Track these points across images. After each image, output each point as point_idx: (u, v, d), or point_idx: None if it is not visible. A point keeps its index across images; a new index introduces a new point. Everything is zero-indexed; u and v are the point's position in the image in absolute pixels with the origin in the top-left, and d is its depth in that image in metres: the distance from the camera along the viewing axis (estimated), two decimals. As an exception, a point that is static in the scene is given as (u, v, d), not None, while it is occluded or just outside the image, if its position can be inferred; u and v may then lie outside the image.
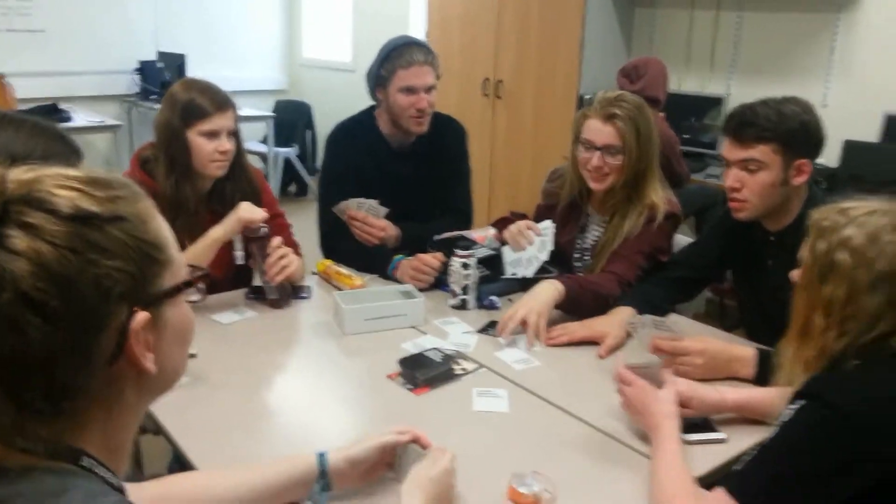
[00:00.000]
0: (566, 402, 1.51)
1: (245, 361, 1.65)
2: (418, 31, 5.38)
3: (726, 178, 1.82)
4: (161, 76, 5.67)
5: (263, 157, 5.83)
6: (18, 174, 0.69)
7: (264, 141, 5.76)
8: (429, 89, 2.22)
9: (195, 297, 0.81)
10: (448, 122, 2.45)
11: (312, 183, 5.85)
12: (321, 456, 1.15)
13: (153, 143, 1.94)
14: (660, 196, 2.02)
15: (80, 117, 5.00)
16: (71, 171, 0.71)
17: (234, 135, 1.94)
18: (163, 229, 0.75)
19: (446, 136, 2.41)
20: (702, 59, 4.25)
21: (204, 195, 1.97)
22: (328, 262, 2.14)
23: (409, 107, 2.20)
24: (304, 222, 2.50)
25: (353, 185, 2.25)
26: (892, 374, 1.05)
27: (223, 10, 6.41)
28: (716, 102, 4.05)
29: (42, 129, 1.41)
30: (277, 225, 2.06)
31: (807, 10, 3.74)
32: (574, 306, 1.88)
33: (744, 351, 1.60)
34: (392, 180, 2.28)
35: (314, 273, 2.16)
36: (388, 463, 1.23)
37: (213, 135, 1.88)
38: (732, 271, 2.08)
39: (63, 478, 0.67)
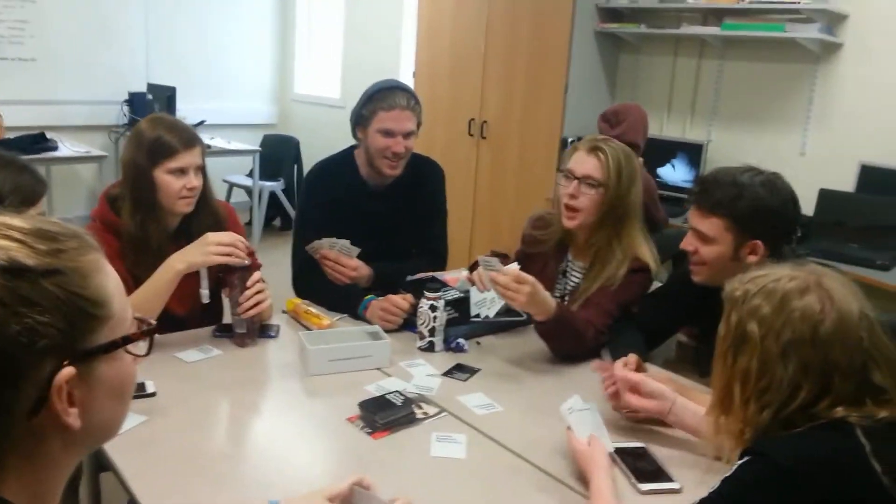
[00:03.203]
0: (523, 448, 1.51)
1: (205, 401, 1.64)
2: (407, 69, 5.44)
3: (684, 241, 1.85)
4: (150, 108, 5.71)
5: (248, 190, 5.85)
6: None
7: (250, 174, 5.77)
8: (407, 135, 2.23)
9: (141, 351, 0.81)
10: (426, 162, 2.48)
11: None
12: (273, 507, 1.14)
13: (121, 180, 1.95)
14: (645, 250, 2.03)
15: (67, 147, 5.00)
16: (17, 221, 0.72)
17: (201, 170, 1.94)
18: (107, 284, 0.75)
19: (424, 176, 2.43)
20: (683, 105, 4.32)
21: (170, 232, 1.96)
22: (297, 301, 2.14)
23: (384, 149, 2.22)
24: (288, 257, 2.51)
25: (329, 225, 2.26)
26: (833, 438, 1.05)
27: (216, 43, 6.48)
28: (696, 148, 4.10)
29: (7, 163, 1.43)
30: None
31: (787, 60, 3.81)
32: (555, 332, 1.90)
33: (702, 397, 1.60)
34: (368, 219, 2.29)
35: (284, 312, 2.16)
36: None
37: (180, 172, 1.88)
38: (696, 323, 2.08)
39: None
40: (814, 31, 3.56)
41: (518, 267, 1.85)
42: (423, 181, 2.42)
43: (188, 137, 1.90)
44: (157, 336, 1.82)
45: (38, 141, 4.64)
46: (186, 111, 5.85)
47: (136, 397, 1.55)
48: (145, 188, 1.87)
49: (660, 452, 1.50)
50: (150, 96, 5.82)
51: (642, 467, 1.44)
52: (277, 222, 6.33)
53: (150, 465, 1.38)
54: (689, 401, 1.50)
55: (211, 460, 1.42)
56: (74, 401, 0.71)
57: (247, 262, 1.87)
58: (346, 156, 2.38)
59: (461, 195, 4.86)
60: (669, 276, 2.25)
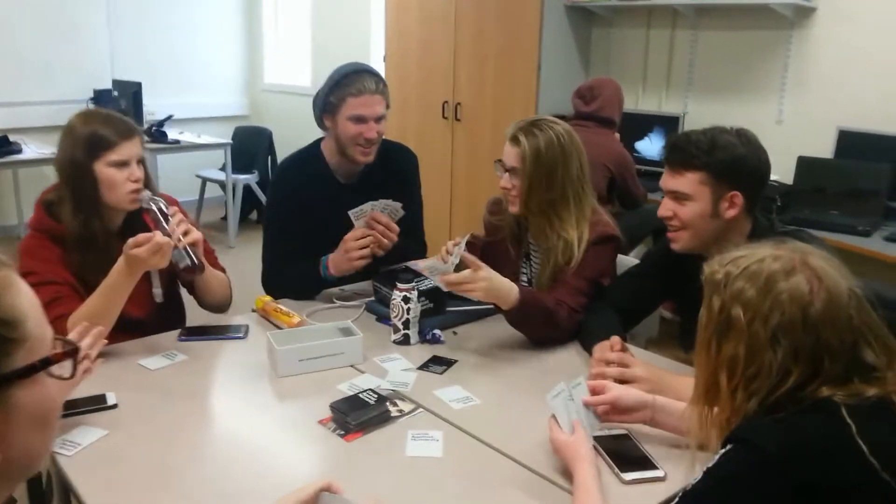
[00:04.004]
0: (503, 443, 1.45)
1: (169, 410, 1.56)
2: (377, 54, 5.34)
3: (660, 208, 1.78)
4: (116, 104, 5.57)
5: (222, 184, 5.74)
6: None
7: (223, 168, 5.66)
8: (378, 119, 2.16)
9: (65, 372, 0.74)
10: (399, 150, 2.41)
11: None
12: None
13: (56, 184, 1.86)
14: (576, 231, 1.97)
15: (32, 149, 4.88)
16: None
17: (142, 162, 1.87)
18: (19, 302, 0.69)
19: (397, 163, 2.36)
20: (658, 77, 4.26)
21: (115, 230, 1.88)
22: (267, 299, 2.06)
23: (357, 136, 2.14)
24: None
25: (300, 222, 2.19)
26: (817, 421, 0.99)
27: (183, 36, 6.34)
28: (672, 121, 4.05)
29: None
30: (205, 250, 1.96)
31: (760, 27, 3.76)
32: (524, 318, 1.86)
33: (681, 381, 1.54)
34: (341, 213, 2.15)
35: (253, 310, 2.09)
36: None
37: (122, 164, 1.80)
38: (675, 302, 2.03)
39: None
40: (787, -5, 3.50)
41: (458, 258, 1.80)
42: (395, 168, 2.35)
43: (126, 128, 1.83)
44: (120, 344, 1.74)
45: (1, 144, 4.51)
46: (154, 106, 5.75)
47: (96, 410, 1.51)
48: (86, 185, 1.79)
49: (643, 436, 1.45)
50: (115, 93, 5.68)
51: (625, 455, 1.39)
52: (254, 216, 6.22)
53: (111, 482, 1.31)
54: (669, 401, 1.44)
55: (177, 474, 1.35)
56: None
57: (155, 202, 1.80)
58: (313, 150, 2.30)
59: (438, 179, 4.78)
60: (645, 252, 2.19)
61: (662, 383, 1.56)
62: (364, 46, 5.67)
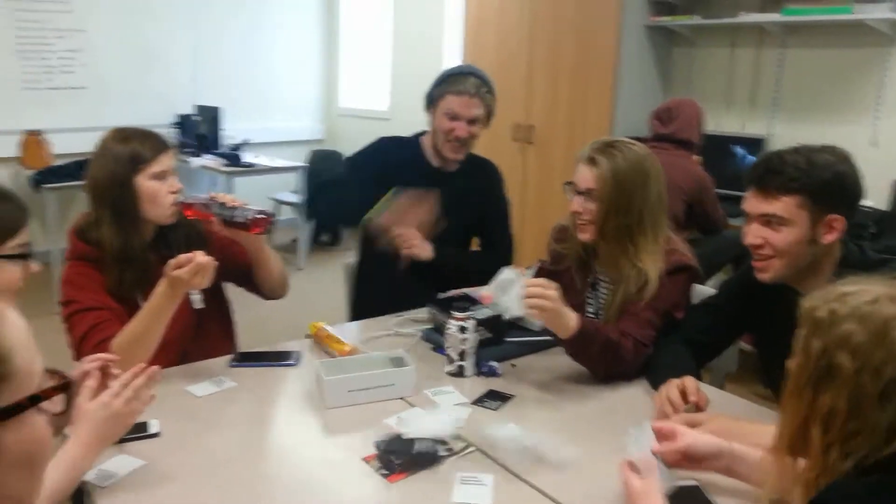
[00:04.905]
0: (558, 491, 1.32)
1: (211, 441, 1.51)
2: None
3: (746, 235, 1.63)
4: (196, 129, 5.73)
5: (295, 206, 5.80)
6: None
7: (296, 191, 5.73)
8: (472, 120, 2.30)
9: (56, 407, 0.68)
10: (486, 162, 2.55)
11: (345, 233, 5.79)
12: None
13: (86, 212, 1.87)
14: (651, 260, 1.83)
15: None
16: None
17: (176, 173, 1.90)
18: (6, 335, 0.63)
19: (483, 172, 2.51)
20: (742, 98, 4.05)
21: (148, 243, 1.88)
22: (320, 325, 2.00)
23: (449, 131, 2.30)
24: (336, 272, 2.42)
25: (377, 179, 2.28)
26: None
27: (261, 63, 6.48)
28: (757, 143, 3.83)
29: None
30: (240, 251, 2.00)
31: (854, 44, 3.52)
32: (584, 350, 1.74)
33: (760, 431, 1.38)
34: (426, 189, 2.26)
35: (307, 336, 2.03)
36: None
37: (162, 176, 1.83)
38: (754, 335, 1.86)
39: None
40: (884, 10, 3.27)
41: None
42: (480, 177, 2.47)
43: (161, 142, 1.87)
44: (170, 368, 1.71)
45: (84, 167, 4.66)
46: (232, 130, 5.89)
47: (137, 438, 1.46)
48: (127, 200, 1.80)
49: (716, 488, 1.30)
50: (197, 117, 5.85)
51: (684, 491, 1.24)
52: (325, 238, 6.26)
53: (143, 515, 1.26)
54: (748, 449, 1.28)
55: (210, 509, 1.28)
56: None
57: (194, 198, 1.88)
58: (412, 138, 2.48)
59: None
60: (723, 281, 2.03)
61: (740, 434, 1.39)
62: (440, 68, 5.63)
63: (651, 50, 4.16)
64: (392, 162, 2.37)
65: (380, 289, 2.43)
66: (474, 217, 2.46)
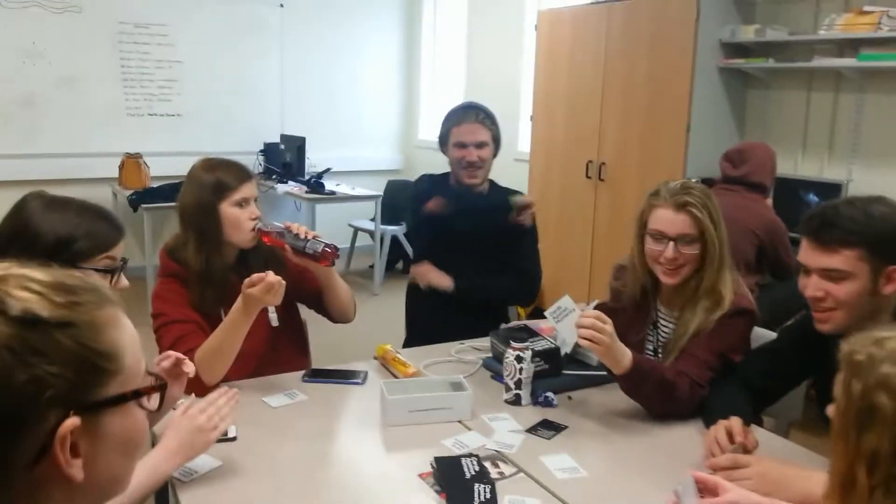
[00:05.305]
0: (603, 520, 1.39)
1: (282, 448, 1.64)
2: (525, 111, 5.43)
3: (805, 287, 1.64)
4: (282, 157, 6.02)
5: (371, 234, 6.00)
6: None
7: (374, 219, 5.93)
8: (479, 145, 2.51)
9: (153, 405, 0.80)
10: (514, 192, 2.69)
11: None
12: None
13: (176, 234, 2.04)
14: (728, 288, 1.88)
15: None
16: (38, 274, 0.74)
17: (255, 201, 2.05)
18: (120, 338, 0.76)
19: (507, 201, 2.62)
20: (819, 142, 4.01)
21: (230, 265, 2.04)
22: (387, 347, 2.12)
23: (460, 159, 2.52)
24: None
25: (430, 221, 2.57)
26: None
27: (345, 94, 6.78)
28: (835, 188, 3.78)
29: (86, 210, 1.52)
30: (312, 277, 2.13)
31: (938, 89, 3.46)
32: (637, 386, 1.78)
33: (805, 476, 1.40)
34: (465, 213, 2.52)
35: (374, 358, 2.15)
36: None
37: (243, 203, 1.99)
38: (813, 384, 1.87)
39: None
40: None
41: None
42: (504, 205, 2.60)
43: (244, 172, 2.04)
44: (249, 380, 1.87)
45: (178, 189, 4.96)
46: (315, 159, 6.15)
47: (217, 441, 1.60)
48: (211, 225, 1.97)
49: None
50: (282, 146, 6.14)
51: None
52: (399, 265, 6.43)
53: (218, 511, 1.39)
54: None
55: (277, 511, 1.40)
56: (79, 452, 0.71)
57: (272, 226, 2.02)
58: (444, 175, 2.71)
59: (579, 239, 4.75)
60: (783, 326, 2.04)
61: (784, 483, 1.42)
62: (514, 105, 5.78)
63: (725, 91, 4.17)
64: (431, 191, 2.61)
65: (428, 313, 2.63)
66: (509, 238, 2.59)
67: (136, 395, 0.76)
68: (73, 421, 0.69)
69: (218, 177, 1.98)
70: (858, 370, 0.97)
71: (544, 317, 1.88)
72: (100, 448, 0.73)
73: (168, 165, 5.47)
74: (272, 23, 6.32)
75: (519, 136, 5.72)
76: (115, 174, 5.48)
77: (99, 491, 0.76)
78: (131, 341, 0.77)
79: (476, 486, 1.46)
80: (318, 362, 2.21)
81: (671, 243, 1.87)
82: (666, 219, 1.89)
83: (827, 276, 1.60)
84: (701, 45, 3.97)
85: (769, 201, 3.46)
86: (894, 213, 1.57)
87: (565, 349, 1.96)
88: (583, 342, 1.71)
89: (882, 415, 0.93)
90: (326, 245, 1.98)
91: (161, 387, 0.80)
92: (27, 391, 0.67)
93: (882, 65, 3.54)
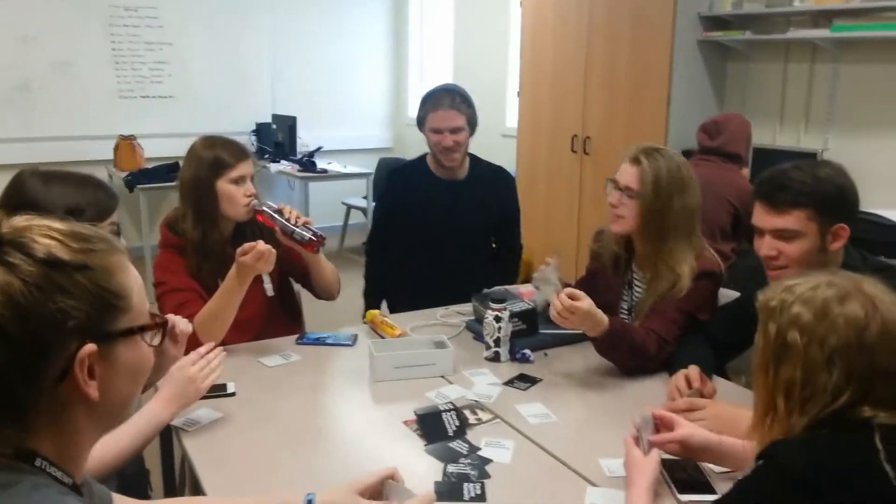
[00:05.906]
0: (569, 456, 1.53)
1: (277, 403, 1.77)
2: (513, 89, 5.53)
3: (760, 247, 1.78)
4: (274, 136, 6.11)
5: (364, 211, 6.11)
6: (16, 222, 0.85)
7: (366, 197, 6.04)
8: (455, 130, 2.58)
9: (155, 341, 0.93)
10: (498, 169, 2.83)
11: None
12: (309, 501, 1.20)
13: (176, 207, 2.16)
14: (687, 266, 1.99)
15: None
16: (57, 224, 0.86)
17: (252, 179, 2.15)
18: (128, 281, 0.88)
19: (498, 181, 2.80)
20: (796, 113, 4.12)
21: (227, 238, 2.15)
22: (376, 312, 2.26)
23: (437, 143, 2.62)
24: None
25: (402, 218, 2.70)
26: (848, 443, 1.01)
27: (335, 74, 6.87)
28: (811, 157, 3.90)
29: (86, 182, 1.65)
30: (299, 255, 2.20)
31: (909, 59, 3.57)
32: (611, 347, 1.90)
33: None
34: (440, 209, 2.65)
35: (364, 322, 2.28)
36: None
37: (239, 180, 2.09)
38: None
39: (15, 473, 0.81)
40: (935, 27, 3.32)
41: (556, 274, 1.94)
42: (494, 182, 2.77)
43: (241, 151, 2.14)
44: (244, 343, 2.01)
45: (172, 170, 5.08)
46: (307, 138, 6.25)
47: (216, 396, 1.74)
48: (208, 200, 2.08)
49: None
50: (274, 126, 6.24)
51: (686, 478, 1.42)
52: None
53: (217, 456, 1.53)
54: (736, 443, 1.41)
55: (275, 456, 1.54)
56: (95, 374, 0.84)
57: (265, 203, 2.09)
58: (419, 160, 2.82)
59: (566, 212, 4.87)
60: (743, 288, 2.17)
61: (736, 422, 1.55)
62: (501, 82, 5.88)
63: (704, 64, 4.28)
64: (402, 190, 2.74)
65: (416, 282, 2.76)
66: (492, 218, 2.76)
67: (142, 329, 0.89)
68: (90, 347, 0.82)
69: (216, 154, 2.09)
70: (773, 314, 1.12)
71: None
72: (112, 373, 0.86)
73: (162, 146, 5.57)
74: (262, 3, 6.39)
75: (507, 113, 5.83)
76: (110, 156, 5.57)
77: (111, 410, 0.89)
78: (137, 285, 0.90)
79: (444, 415, 1.66)
80: (311, 328, 2.34)
81: (616, 191, 2.02)
82: (621, 169, 2.04)
83: (779, 235, 1.73)
84: (680, 19, 4.07)
85: (746, 171, 3.58)
86: (839, 175, 1.71)
87: (544, 311, 2.08)
88: (555, 319, 1.82)
89: (795, 349, 1.07)
90: (314, 234, 2.06)
91: (162, 324, 0.93)
92: (54, 321, 0.80)
93: (855, 35, 3.65)
